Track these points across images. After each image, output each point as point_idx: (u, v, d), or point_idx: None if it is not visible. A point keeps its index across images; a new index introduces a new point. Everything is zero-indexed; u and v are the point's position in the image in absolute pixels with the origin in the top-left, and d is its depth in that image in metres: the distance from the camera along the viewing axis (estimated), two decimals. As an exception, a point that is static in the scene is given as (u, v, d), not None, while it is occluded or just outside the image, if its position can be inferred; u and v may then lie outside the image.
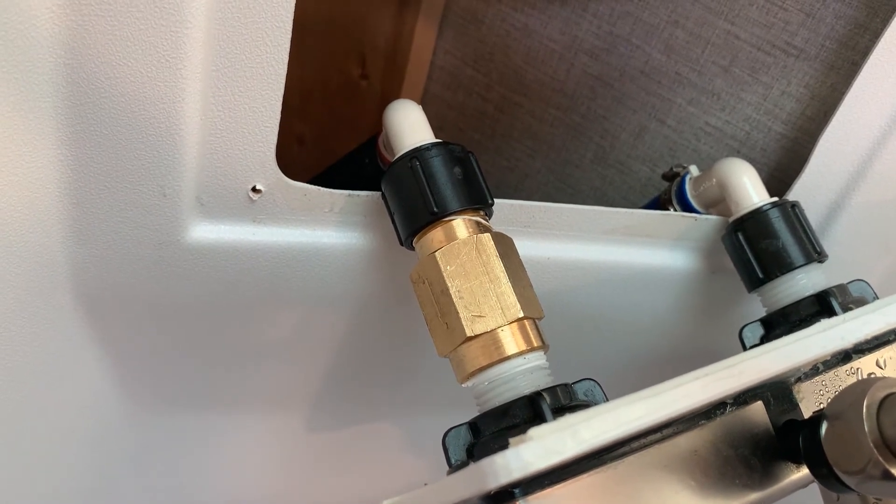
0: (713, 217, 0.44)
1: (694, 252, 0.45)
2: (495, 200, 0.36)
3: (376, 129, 0.43)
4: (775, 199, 0.42)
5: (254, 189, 0.36)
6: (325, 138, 0.71)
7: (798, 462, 0.30)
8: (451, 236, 0.33)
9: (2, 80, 0.29)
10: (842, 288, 0.40)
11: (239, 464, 0.55)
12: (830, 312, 0.38)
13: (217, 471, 0.54)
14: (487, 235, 0.33)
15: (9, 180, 0.32)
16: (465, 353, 0.32)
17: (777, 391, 0.31)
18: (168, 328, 0.42)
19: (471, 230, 0.33)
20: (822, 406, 0.32)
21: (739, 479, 0.29)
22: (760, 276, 0.41)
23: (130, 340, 0.43)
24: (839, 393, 0.28)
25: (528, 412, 0.30)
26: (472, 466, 0.21)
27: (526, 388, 0.31)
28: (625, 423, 0.22)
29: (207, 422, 0.51)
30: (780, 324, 0.40)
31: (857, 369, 0.34)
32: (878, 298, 0.41)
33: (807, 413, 0.32)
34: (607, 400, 0.31)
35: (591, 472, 0.26)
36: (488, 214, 0.35)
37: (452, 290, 0.32)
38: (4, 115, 0.30)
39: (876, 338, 0.34)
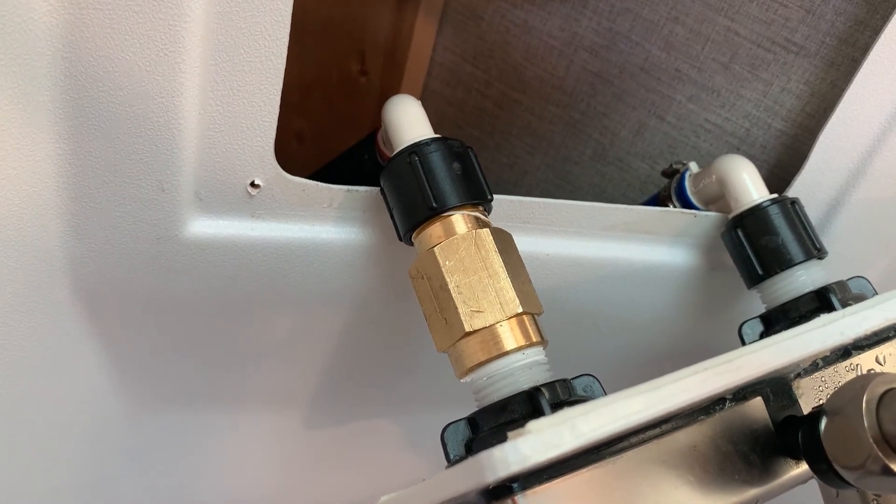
0: (713, 214, 0.44)
1: (693, 249, 0.45)
2: (494, 196, 0.36)
3: (375, 125, 0.43)
4: (775, 195, 0.42)
5: (252, 184, 0.36)
6: (325, 135, 0.71)
7: (797, 458, 0.30)
8: (449, 231, 0.33)
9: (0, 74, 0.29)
10: (841, 284, 0.40)
11: (237, 461, 0.55)
12: (830, 309, 0.38)
13: (216, 468, 0.54)
14: (486, 231, 0.33)
15: (7, 174, 0.32)
16: (464, 348, 0.32)
17: (776, 387, 0.31)
18: (166, 323, 0.42)
19: (470, 225, 0.33)
20: (821, 402, 0.32)
21: (738, 474, 0.29)
22: (760, 272, 0.41)
23: (129, 336, 0.43)
24: (838, 388, 0.28)
25: (526, 407, 0.30)
26: (471, 460, 0.21)
27: (525, 383, 0.31)
28: (623, 417, 0.22)
29: (206, 419, 0.51)
30: (779, 320, 0.40)
31: (857, 366, 0.34)
32: (877, 294, 0.41)
33: (806, 409, 0.32)
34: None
35: (590, 467, 0.26)
36: (487, 210, 0.35)
37: (451, 286, 0.32)
38: (2, 109, 0.30)
39: (875, 334, 0.34)
